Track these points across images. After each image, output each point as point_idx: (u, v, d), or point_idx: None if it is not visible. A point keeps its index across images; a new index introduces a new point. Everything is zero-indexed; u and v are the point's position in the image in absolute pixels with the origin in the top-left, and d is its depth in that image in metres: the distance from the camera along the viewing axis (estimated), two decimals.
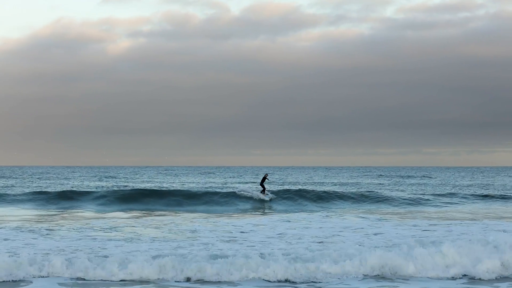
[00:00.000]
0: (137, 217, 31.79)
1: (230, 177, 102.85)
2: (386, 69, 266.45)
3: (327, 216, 32.50)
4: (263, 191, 45.37)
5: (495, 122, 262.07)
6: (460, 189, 64.88)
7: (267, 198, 44.69)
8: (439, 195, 51.52)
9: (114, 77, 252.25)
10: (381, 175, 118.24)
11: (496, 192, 55.93)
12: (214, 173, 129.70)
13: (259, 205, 42.79)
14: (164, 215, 33.61)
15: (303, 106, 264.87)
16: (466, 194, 52.11)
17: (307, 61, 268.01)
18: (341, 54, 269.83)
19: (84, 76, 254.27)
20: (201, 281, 14.85)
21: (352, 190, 54.74)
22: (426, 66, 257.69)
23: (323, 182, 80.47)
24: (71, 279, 14.81)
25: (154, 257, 15.85)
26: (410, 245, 17.20)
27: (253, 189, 47.36)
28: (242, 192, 45.93)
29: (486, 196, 50.46)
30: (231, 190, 50.68)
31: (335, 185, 72.98)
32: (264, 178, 46.33)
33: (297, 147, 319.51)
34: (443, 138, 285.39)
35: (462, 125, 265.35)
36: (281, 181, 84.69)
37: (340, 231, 24.71)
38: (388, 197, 46.76)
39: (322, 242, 21.08)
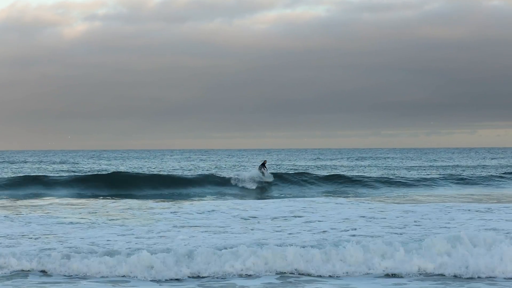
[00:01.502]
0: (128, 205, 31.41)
1: (201, 160, 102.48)
2: (343, 52, 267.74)
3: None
4: (263, 175, 44.24)
5: (452, 104, 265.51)
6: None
7: (270, 179, 44.18)
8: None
9: (70, 61, 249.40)
10: (357, 157, 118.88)
11: None
12: (177, 156, 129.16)
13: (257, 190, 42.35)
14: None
15: (261, 89, 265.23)
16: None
17: (264, 44, 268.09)
18: (298, 37, 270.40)
19: (40, 60, 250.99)
20: None
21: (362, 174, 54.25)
22: (383, 48, 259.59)
23: (305, 165, 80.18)
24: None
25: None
26: None
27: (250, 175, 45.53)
28: (238, 178, 44.49)
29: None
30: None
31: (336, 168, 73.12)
32: (262, 165, 44.92)
33: (256, 129, 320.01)
34: (402, 120, 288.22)
35: (420, 107, 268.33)
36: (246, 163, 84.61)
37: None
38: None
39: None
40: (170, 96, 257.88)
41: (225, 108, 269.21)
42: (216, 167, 77.80)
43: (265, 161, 46.69)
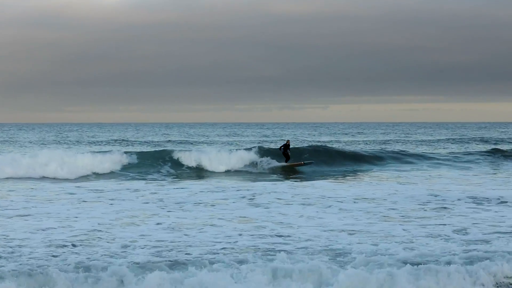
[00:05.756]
0: None
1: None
2: (196, 26, 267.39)
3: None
4: (286, 161, 38.35)
5: (306, 79, 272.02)
6: None
7: (306, 162, 38.46)
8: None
9: None
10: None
11: None
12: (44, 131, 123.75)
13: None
14: None
15: (113, 62, 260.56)
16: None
17: (115, 17, 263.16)
18: (149, 10, 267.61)
19: None
20: None
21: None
22: (236, 23, 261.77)
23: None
24: None
25: None
26: None
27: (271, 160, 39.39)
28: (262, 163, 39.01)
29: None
30: None
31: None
32: (286, 146, 38.50)
33: (109, 103, 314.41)
34: (255, 95, 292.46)
35: (274, 82, 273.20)
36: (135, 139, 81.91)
37: None
38: None
39: None
40: (21, 69, 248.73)
41: (77, 82, 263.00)
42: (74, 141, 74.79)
43: (288, 141, 39.49)
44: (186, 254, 13.99)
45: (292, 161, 38.67)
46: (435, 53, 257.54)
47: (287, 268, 12.38)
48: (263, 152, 41.58)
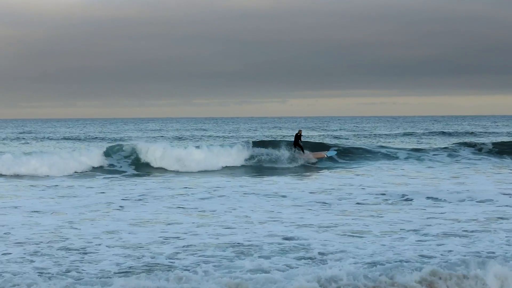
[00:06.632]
0: None
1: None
2: (153, 22, 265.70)
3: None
4: (301, 151, 37.71)
5: (264, 74, 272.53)
6: None
7: (329, 154, 38.34)
8: None
9: None
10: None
11: None
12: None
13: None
14: None
15: (70, 58, 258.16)
16: None
17: (72, 12, 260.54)
18: (107, 6, 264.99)
19: None
20: None
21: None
22: (194, 18, 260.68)
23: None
24: None
25: None
26: None
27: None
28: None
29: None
30: None
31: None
32: (298, 136, 37.88)
33: (65, 98, 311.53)
34: (213, 90, 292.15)
35: (231, 77, 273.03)
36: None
37: None
38: None
39: None
40: None
41: (34, 77, 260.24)
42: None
43: (300, 131, 38.54)
44: (152, 253, 13.87)
45: (307, 153, 38.15)
46: (393, 48, 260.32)
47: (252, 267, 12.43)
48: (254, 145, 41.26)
